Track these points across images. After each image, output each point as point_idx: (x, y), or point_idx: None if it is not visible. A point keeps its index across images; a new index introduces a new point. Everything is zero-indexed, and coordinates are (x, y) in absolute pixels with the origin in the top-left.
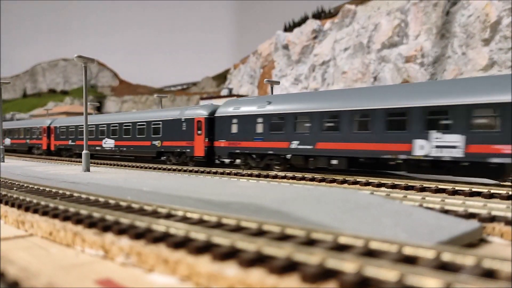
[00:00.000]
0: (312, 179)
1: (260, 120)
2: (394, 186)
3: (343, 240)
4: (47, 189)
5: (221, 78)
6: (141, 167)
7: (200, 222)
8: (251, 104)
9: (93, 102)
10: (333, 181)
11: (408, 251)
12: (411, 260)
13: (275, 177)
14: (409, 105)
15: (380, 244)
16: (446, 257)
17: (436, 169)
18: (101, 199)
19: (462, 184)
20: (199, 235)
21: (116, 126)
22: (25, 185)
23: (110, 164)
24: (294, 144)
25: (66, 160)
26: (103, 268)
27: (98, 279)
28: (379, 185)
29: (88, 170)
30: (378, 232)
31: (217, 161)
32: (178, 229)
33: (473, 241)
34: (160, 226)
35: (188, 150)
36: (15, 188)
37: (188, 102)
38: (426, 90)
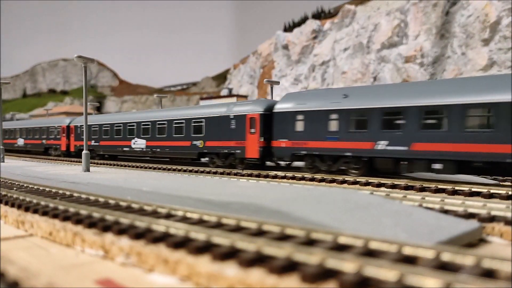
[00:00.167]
0: (312, 179)
1: (334, 116)
2: (393, 186)
3: (342, 240)
4: (47, 189)
5: (221, 78)
6: (141, 167)
7: (200, 222)
8: (321, 98)
9: (93, 102)
10: (333, 181)
11: (407, 251)
12: (410, 260)
13: (275, 177)
14: None
15: (379, 244)
16: (446, 257)
17: None
18: (101, 199)
19: (462, 184)
20: (199, 235)
21: (148, 124)
22: (25, 185)
23: (110, 164)
24: (381, 145)
25: (66, 160)
26: (103, 268)
27: (98, 279)
28: (379, 185)
29: (88, 170)
30: (378, 232)
31: (269, 163)
32: (178, 229)
33: (472, 241)
34: (160, 226)
35: (238, 151)
36: (15, 188)
37: (188, 102)
38: None
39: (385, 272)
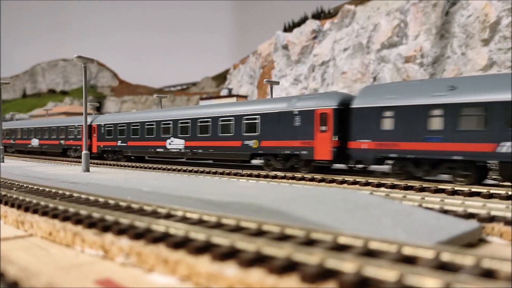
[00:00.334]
0: (312, 179)
1: (438, 112)
2: (393, 186)
3: (342, 240)
4: (47, 189)
5: (221, 78)
6: (141, 167)
7: (200, 222)
8: (417, 90)
9: (93, 102)
10: (333, 181)
11: (407, 251)
12: (410, 260)
13: (275, 177)
14: None
15: (379, 244)
16: (446, 257)
17: None
18: (101, 199)
19: (462, 184)
20: (198, 235)
21: (187, 122)
22: (25, 185)
23: (110, 165)
24: (508, 147)
25: (66, 160)
26: (103, 268)
27: (98, 279)
28: (379, 185)
29: (87, 170)
30: (378, 232)
31: (335, 166)
32: (177, 229)
33: (472, 241)
34: (160, 226)
35: (304, 152)
36: (14, 189)
37: (188, 102)
38: None
39: (385, 272)
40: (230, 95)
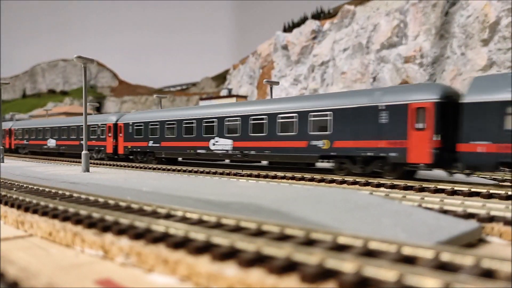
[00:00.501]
0: (312, 179)
1: None
2: (393, 186)
3: (342, 240)
4: (47, 189)
5: (221, 78)
6: (141, 168)
7: (200, 222)
8: None
9: (93, 103)
10: (333, 181)
11: (407, 251)
12: (410, 260)
13: (275, 177)
14: None
15: (379, 244)
16: (445, 257)
17: None
18: (101, 199)
19: (461, 184)
20: (198, 235)
21: (236, 120)
22: (25, 185)
23: (110, 165)
24: None
25: (66, 161)
26: (103, 268)
27: (98, 279)
28: (378, 185)
29: (87, 170)
30: (378, 232)
31: (438, 171)
32: (177, 229)
33: (472, 241)
34: (159, 226)
35: (393, 154)
36: (14, 189)
37: (188, 103)
38: None
39: (384, 272)
40: (230, 95)
